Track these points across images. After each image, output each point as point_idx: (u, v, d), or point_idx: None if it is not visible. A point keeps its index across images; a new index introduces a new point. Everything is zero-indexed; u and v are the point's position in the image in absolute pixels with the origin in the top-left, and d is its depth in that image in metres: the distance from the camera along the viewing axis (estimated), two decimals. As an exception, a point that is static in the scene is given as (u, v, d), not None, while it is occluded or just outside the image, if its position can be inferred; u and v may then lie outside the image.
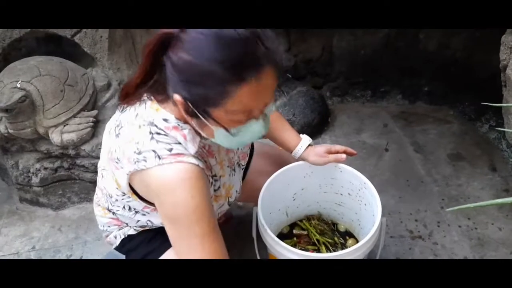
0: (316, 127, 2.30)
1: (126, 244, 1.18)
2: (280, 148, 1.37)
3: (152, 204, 1.03)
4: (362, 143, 2.27)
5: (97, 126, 1.86)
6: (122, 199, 1.07)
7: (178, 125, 0.94)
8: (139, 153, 0.92)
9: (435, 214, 1.82)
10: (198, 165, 0.92)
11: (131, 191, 1.01)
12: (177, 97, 0.86)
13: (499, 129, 1.60)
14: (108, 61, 2.03)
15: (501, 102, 1.59)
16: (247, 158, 1.27)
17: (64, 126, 1.77)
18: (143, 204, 1.05)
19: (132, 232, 1.18)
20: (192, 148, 0.93)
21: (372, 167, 2.09)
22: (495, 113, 2.26)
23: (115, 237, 1.20)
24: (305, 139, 1.32)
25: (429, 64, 2.47)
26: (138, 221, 1.13)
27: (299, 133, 1.36)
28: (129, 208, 1.10)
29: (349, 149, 1.31)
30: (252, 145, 1.42)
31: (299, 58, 2.56)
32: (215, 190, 1.08)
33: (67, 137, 1.76)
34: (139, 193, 1.01)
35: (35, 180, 1.88)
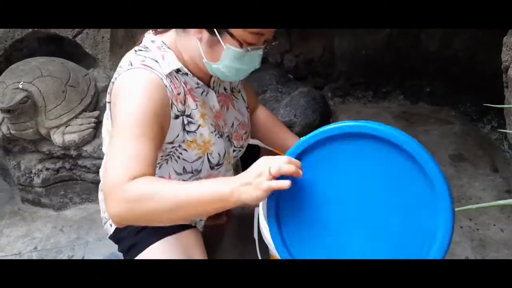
0: (317, 128, 2.29)
1: (118, 233, 1.17)
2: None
3: None
4: (363, 143, 2.27)
5: (98, 127, 1.86)
6: None
7: (162, 46, 1.01)
8: (119, 68, 0.99)
9: (437, 215, 1.82)
10: (162, 80, 0.95)
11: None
12: None
13: (501, 130, 1.60)
14: (110, 61, 2.03)
15: (503, 103, 1.59)
16: (242, 142, 1.21)
17: (66, 127, 1.78)
18: None
19: None
20: (166, 69, 0.98)
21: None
22: (497, 114, 2.26)
23: (110, 225, 1.20)
24: None
25: (430, 65, 2.47)
26: None
27: (300, 135, 1.36)
28: None
29: None
30: (259, 148, 1.42)
31: (300, 58, 2.57)
32: (187, 132, 1.03)
33: (69, 137, 1.76)
34: None
35: (37, 180, 1.88)
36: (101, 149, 1.82)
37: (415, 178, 0.80)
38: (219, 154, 1.10)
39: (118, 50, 2.03)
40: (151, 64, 0.96)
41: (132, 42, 2.08)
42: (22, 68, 1.79)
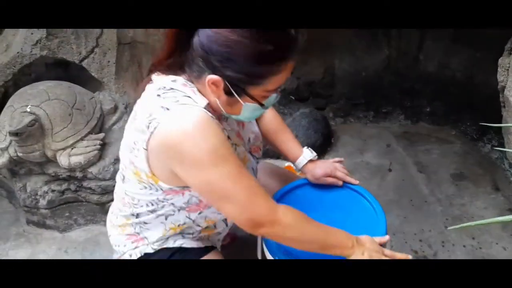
0: (319, 148, 2.32)
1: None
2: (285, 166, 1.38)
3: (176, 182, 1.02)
4: (365, 163, 2.29)
5: (104, 149, 1.90)
6: (148, 194, 1.06)
7: (187, 83, 0.97)
8: (149, 115, 0.93)
9: (440, 234, 1.82)
10: (206, 112, 0.92)
11: (151, 172, 1.01)
12: (213, 77, 0.91)
13: (498, 148, 1.63)
14: (115, 85, 2.08)
15: (501, 122, 1.62)
16: (260, 152, 1.25)
17: (72, 149, 1.81)
18: (166, 186, 1.02)
19: (149, 250, 1.14)
20: (202, 101, 0.95)
21: (376, 187, 2.11)
22: (497, 133, 2.28)
23: (130, 256, 1.17)
24: (306, 154, 1.32)
25: (430, 85, 2.51)
26: (161, 221, 1.11)
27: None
28: (156, 202, 1.08)
29: (349, 179, 1.31)
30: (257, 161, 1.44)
31: (302, 80, 2.61)
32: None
33: (74, 159, 1.79)
34: (160, 173, 1.01)
35: (42, 202, 1.90)
36: (106, 170, 1.85)
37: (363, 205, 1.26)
38: (253, 169, 1.15)
39: (123, 74, 2.07)
40: (187, 101, 0.93)
41: (137, 66, 2.14)
42: (30, 92, 1.84)
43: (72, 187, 1.90)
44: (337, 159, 1.38)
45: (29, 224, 2.01)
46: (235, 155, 0.97)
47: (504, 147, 1.73)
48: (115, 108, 2.05)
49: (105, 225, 1.93)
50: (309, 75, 2.59)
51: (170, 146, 0.92)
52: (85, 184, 1.88)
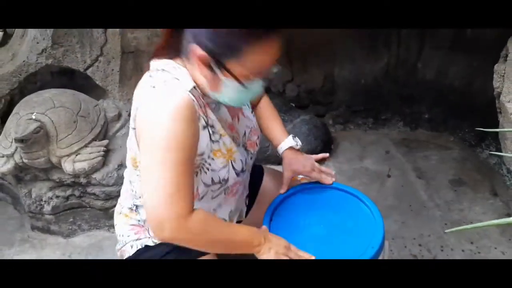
0: (320, 153, 2.34)
1: (140, 254, 1.19)
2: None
3: None
4: (365, 169, 2.32)
5: (107, 155, 1.93)
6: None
7: (178, 66, 1.03)
8: (139, 95, 1.02)
9: (438, 238, 1.85)
10: (188, 96, 0.98)
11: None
12: (196, 47, 0.96)
13: (494, 153, 1.66)
14: (119, 92, 2.12)
15: (498, 128, 1.65)
16: (256, 148, 1.26)
17: (76, 155, 1.84)
18: None
19: (150, 243, 1.18)
20: (188, 84, 1.00)
21: (375, 192, 2.13)
22: (494, 139, 2.31)
23: (131, 247, 1.20)
24: (287, 141, 1.33)
25: (428, 92, 2.55)
26: None
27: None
28: None
29: (324, 180, 1.32)
30: (262, 168, 1.47)
31: (302, 88, 2.65)
32: (213, 141, 1.08)
33: (79, 166, 1.82)
34: None
35: (47, 208, 1.93)
36: (109, 176, 1.88)
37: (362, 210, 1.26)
38: (241, 161, 1.15)
39: (127, 82, 2.12)
40: (172, 82, 1.00)
41: (141, 74, 2.17)
42: (36, 100, 1.88)
43: (76, 193, 1.93)
44: (320, 155, 1.39)
45: (34, 230, 2.04)
46: (190, 147, 0.99)
47: (501, 152, 1.76)
48: (119, 116, 2.08)
49: (108, 230, 1.99)
50: (309, 83, 2.63)
51: (142, 120, 0.99)
52: (89, 190, 1.91)
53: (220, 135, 1.10)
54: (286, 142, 1.33)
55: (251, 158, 1.24)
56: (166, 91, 0.98)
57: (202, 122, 1.04)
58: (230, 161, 1.12)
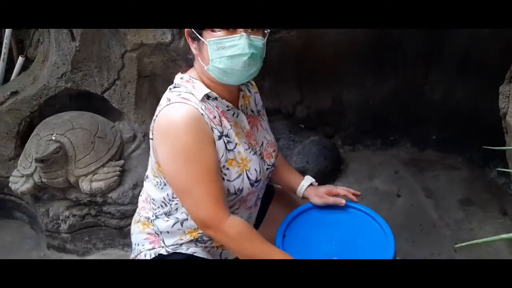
0: (329, 174, 2.39)
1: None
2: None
3: None
4: (374, 189, 2.35)
5: (123, 175, 1.99)
6: (160, 190, 1.20)
7: (190, 78, 1.15)
8: (159, 105, 1.14)
9: (449, 258, 1.86)
10: (197, 109, 1.08)
11: (157, 163, 1.17)
12: (186, 30, 1.13)
13: (501, 169, 1.69)
14: (134, 115, 2.19)
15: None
16: (271, 159, 1.31)
17: (94, 175, 1.90)
18: None
19: (163, 252, 1.22)
20: (199, 96, 1.11)
21: (385, 212, 2.15)
22: (502, 159, 2.33)
23: (145, 256, 1.24)
24: (307, 179, 1.39)
25: (435, 114, 2.58)
26: (178, 228, 1.20)
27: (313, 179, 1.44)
28: (167, 201, 1.20)
29: (351, 191, 1.36)
30: (273, 187, 1.51)
31: (311, 109, 2.70)
32: (228, 150, 1.15)
33: (96, 185, 1.88)
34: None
35: (63, 227, 1.98)
36: (125, 196, 1.94)
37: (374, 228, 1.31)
38: (256, 170, 1.20)
39: (142, 104, 2.19)
40: (186, 97, 1.10)
41: (156, 97, 2.25)
42: (55, 122, 1.96)
43: (93, 211, 1.98)
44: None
45: (50, 249, 2.08)
46: (209, 157, 1.10)
47: (509, 173, 1.79)
48: (134, 137, 2.15)
49: (123, 249, 2.03)
50: (318, 105, 2.68)
51: (158, 130, 1.11)
52: (105, 208, 1.96)
53: (236, 144, 1.16)
54: (305, 182, 1.39)
55: (267, 169, 1.28)
56: (179, 103, 1.09)
57: (217, 133, 1.11)
58: (245, 170, 1.17)
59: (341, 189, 1.36)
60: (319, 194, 1.35)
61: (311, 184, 1.38)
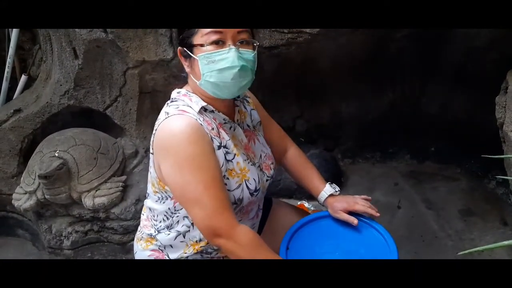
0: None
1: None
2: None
3: None
4: (374, 201, 2.33)
5: (125, 191, 2.00)
6: (161, 203, 1.20)
7: (187, 93, 1.18)
8: (158, 119, 1.15)
9: (451, 268, 1.86)
10: (196, 120, 1.10)
11: (158, 177, 1.18)
12: (179, 48, 1.16)
13: (500, 177, 1.71)
14: (136, 131, 2.21)
15: (503, 159, 1.70)
16: (271, 172, 1.33)
17: (96, 191, 1.91)
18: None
19: None
20: (196, 108, 1.13)
21: (386, 223, 2.16)
22: (501, 169, 2.35)
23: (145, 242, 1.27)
24: (328, 188, 1.38)
25: (433, 126, 2.62)
26: (180, 240, 1.21)
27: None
28: (169, 214, 1.20)
29: (370, 210, 1.34)
30: (270, 200, 1.52)
31: (311, 123, 2.73)
32: (227, 161, 1.16)
33: (98, 201, 1.89)
34: (162, 176, 1.16)
35: (66, 243, 1.98)
36: (128, 211, 1.94)
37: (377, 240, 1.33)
38: (254, 180, 1.21)
39: (144, 120, 2.21)
40: (185, 109, 1.12)
41: (157, 113, 2.28)
42: (58, 138, 1.98)
43: (95, 227, 1.98)
44: (363, 196, 1.41)
45: (52, 266, 2.08)
46: (214, 165, 1.11)
47: (508, 182, 1.80)
48: (136, 153, 2.17)
49: (125, 265, 2.02)
50: (318, 118, 2.71)
51: (159, 144, 1.12)
52: (107, 224, 1.97)
53: (234, 154, 1.19)
54: (326, 191, 1.38)
55: (266, 180, 1.30)
56: (178, 115, 1.10)
57: (215, 143, 1.13)
58: (244, 180, 1.19)
59: (360, 206, 1.34)
60: (335, 209, 1.34)
61: (331, 194, 1.37)
